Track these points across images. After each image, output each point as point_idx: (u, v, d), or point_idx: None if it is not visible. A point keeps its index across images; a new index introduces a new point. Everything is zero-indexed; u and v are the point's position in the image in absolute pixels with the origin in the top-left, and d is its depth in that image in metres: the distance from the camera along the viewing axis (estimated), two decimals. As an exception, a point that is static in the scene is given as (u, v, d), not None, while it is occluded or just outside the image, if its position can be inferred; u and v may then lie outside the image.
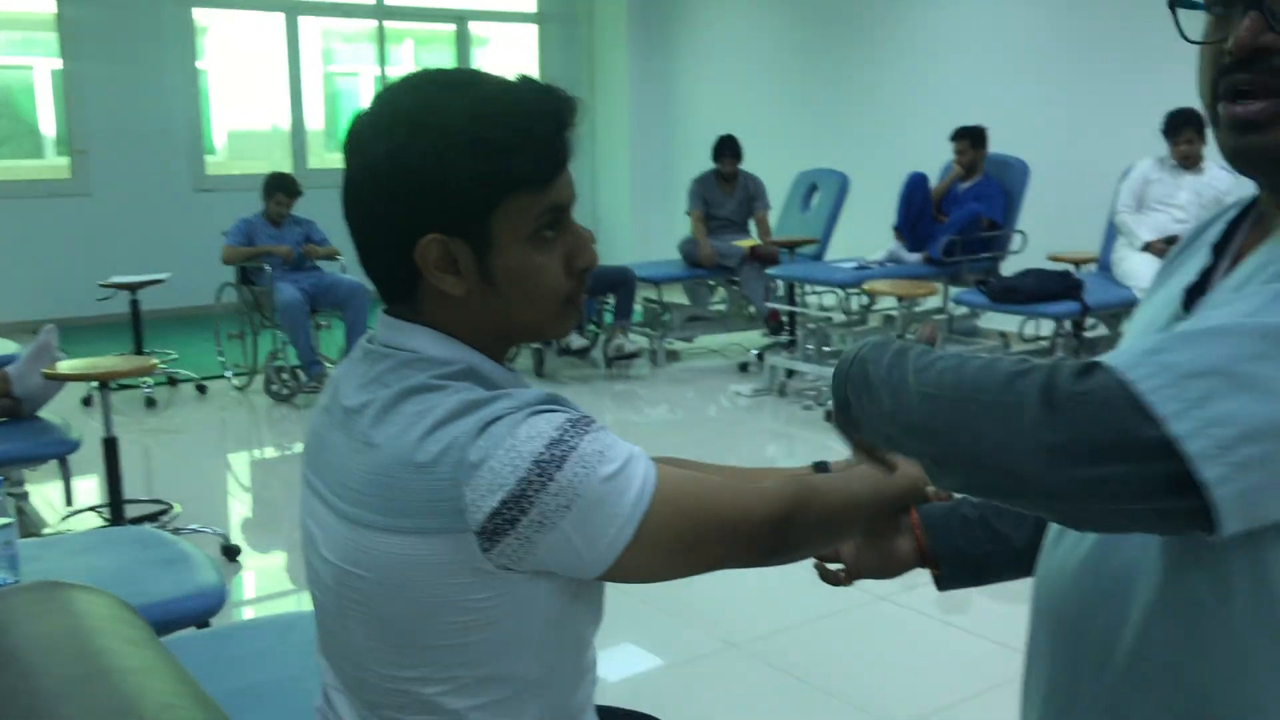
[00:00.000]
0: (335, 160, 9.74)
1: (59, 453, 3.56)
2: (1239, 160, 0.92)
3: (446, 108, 1.01)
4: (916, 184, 6.37)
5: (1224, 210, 1.07)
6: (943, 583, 1.32)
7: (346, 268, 6.52)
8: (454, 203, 1.01)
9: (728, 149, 7.26)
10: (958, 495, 1.32)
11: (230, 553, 3.89)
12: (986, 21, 7.42)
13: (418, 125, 1.01)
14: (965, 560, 1.29)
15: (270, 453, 5.80)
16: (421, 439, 0.98)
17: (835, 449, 1.33)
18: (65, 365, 3.73)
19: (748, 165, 7.41)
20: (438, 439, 0.97)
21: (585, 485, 0.96)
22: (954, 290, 6.17)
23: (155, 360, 3.90)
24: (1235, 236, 1.01)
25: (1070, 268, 5.94)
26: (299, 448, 5.71)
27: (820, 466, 1.30)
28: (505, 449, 0.96)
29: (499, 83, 1.04)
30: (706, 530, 1.04)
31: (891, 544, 1.29)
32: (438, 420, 0.98)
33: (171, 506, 4.28)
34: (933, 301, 6.18)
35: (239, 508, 4.88)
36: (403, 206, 1.01)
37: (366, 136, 1.03)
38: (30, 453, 3.53)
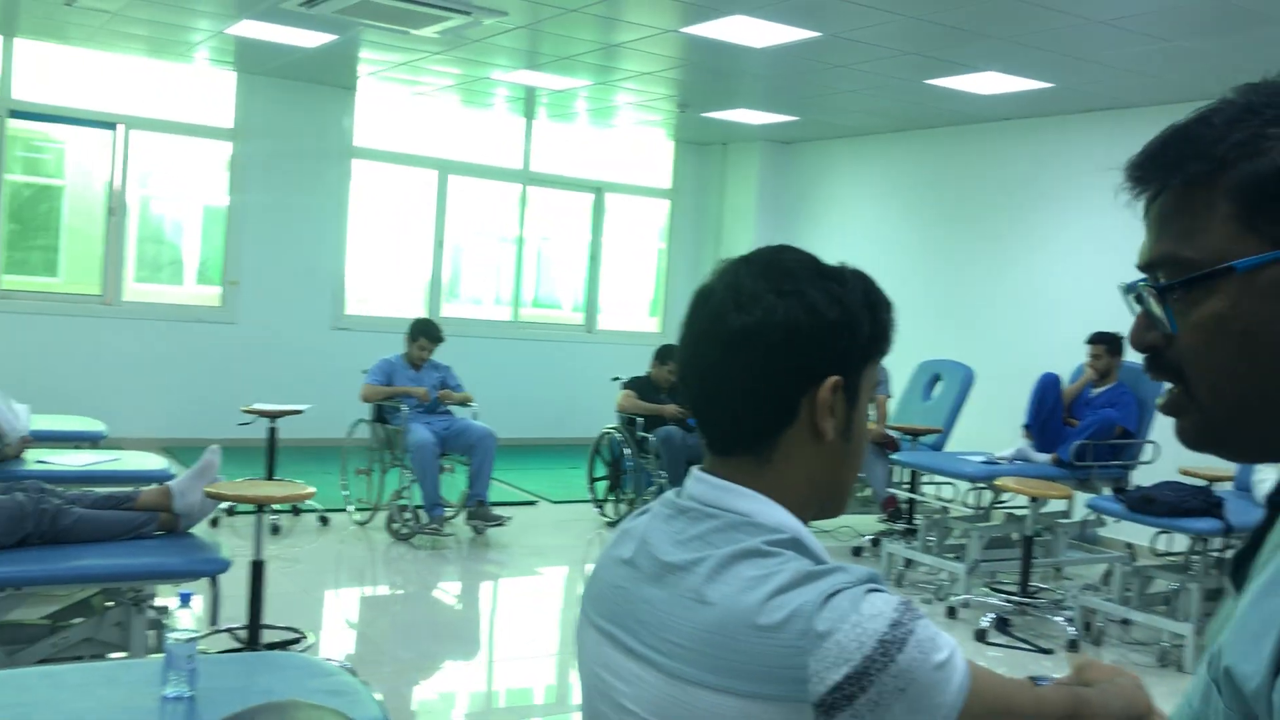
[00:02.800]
0: (462, 310, 10.12)
1: (212, 571, 3.65)
2: None
3: (841, 274, 1.14)
4: (1049, 384, 6.35)
5: None
6: None
7: (479, 414, 6.69)
8: (852, 354, 1.11)
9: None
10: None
11: (358, 688, 3.90)
12: (1126, 224, 7.49)
13: (827, 283, 1.12)
14: None
15: (384, 590, 5.86)
16: (764, 602, 1.00)
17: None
18: (222, 486, 3.87)
19: (872, 350, 7.47)
20: (781, 604, 0.99)
21: (921, 671, 0.98)
22: (1084, 495, 6.08)
23: (312, 489, 4.01)
24: None
25: (1205, 484, 5.81)
26: (413, 587, 5.80)
27: (1036, 680, 1.31)
28: (851, 624, 0.97)
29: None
30: None
31: None
32: (780, 586, 1.00)
33: (305, 636, 4.34)
34: (1057, 504, 6.09)
35: (350, 641, 4.91)
36: (810, 352, 1.09)
37: (762, 290, 1.10)
38: (187, 569, 3.62)
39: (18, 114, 8.12)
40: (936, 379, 7.52)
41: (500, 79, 8.22)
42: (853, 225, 9.65)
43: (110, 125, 8.39)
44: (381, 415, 6.54)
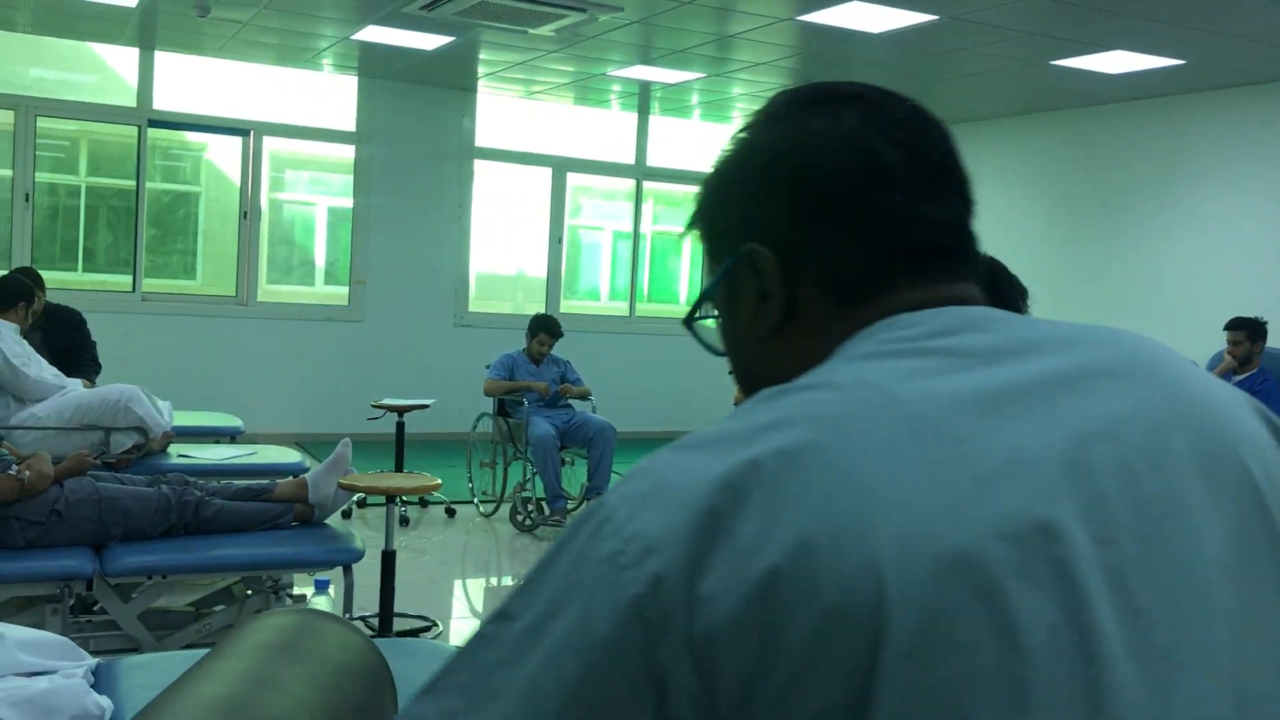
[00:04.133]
0: (579, 307, 10.22)
1: (347, 560, 3.76)
2: None
3: None
4: (1185, 372, 6.12)
5: None
6: None
7: (598, 408, 6.76)
8: None
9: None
10: None
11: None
12: (1267, 204, 7.19)
13: None
14: None
15: (508, 580, 5.95)
16: None
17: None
18: (354, 478, 3.99)
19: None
20: None
21: None
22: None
23: (439, 481, 4.10)
24: None
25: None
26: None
27: None
28: None
29: None
30: None
31: None
32: None
33: (435, 624, 4.44)
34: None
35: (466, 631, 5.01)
36: None
37: None
38: (323, 558, 3.75)
39: (156, 123, 8.48)
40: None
41: (615, 75, 8.27)
42: (978, 214, 9.43)
43: (242, 132, 8.71)
44: (504, 409, 6.65)
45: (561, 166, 9.76)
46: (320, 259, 9.69)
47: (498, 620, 0.68)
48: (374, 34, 7.24)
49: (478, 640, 0.68)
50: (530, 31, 6.76)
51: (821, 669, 0.59)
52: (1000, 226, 9.15)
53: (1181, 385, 0.74)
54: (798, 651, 0.59)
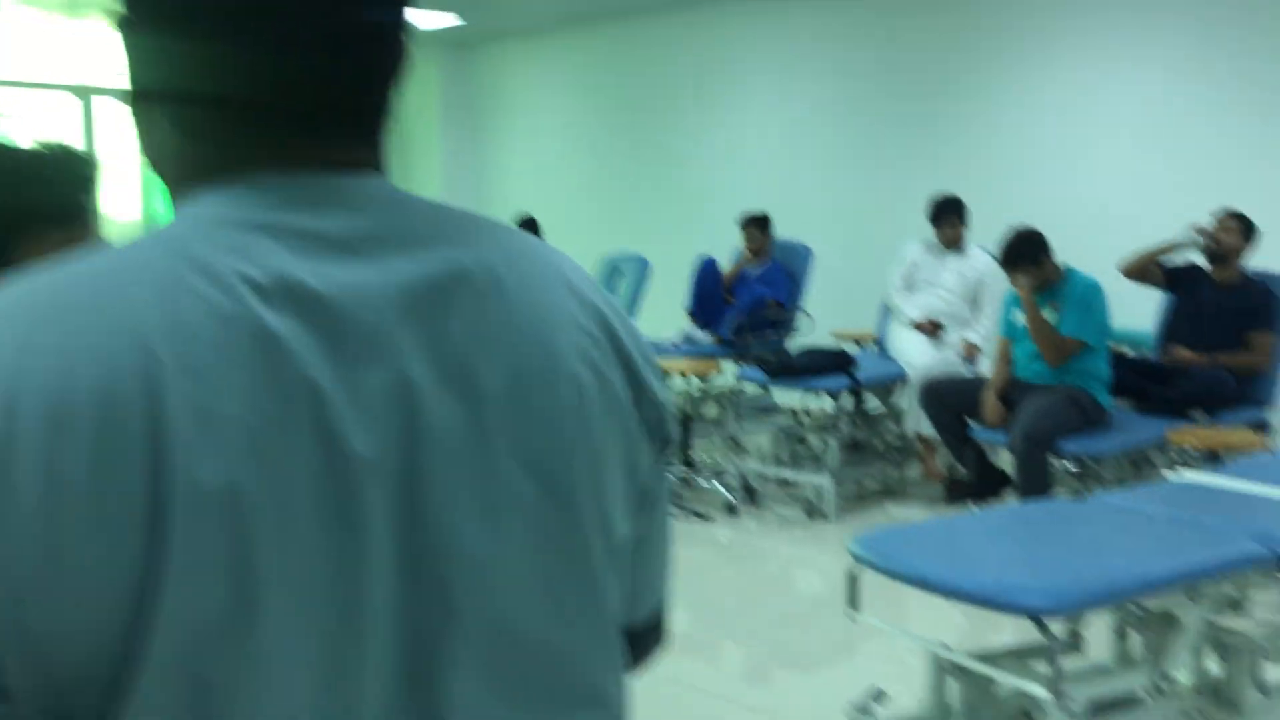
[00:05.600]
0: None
1: None
2: None
3: None
4: (707, 268, 6.58)
5: None
6: None
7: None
8: None
9: (527, 229, 7.43)
10: None
11: None
12: (778, 114, 7.80)
13: None
14: None
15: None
16: None
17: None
18: None
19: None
20: None
21: None
22: (740, 368, 6.37)
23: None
24: None
25: (852, 345, 6.22)
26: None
27: None
28: None
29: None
30: None
31: None
32: None
33: None
34: (726, 379, 6.36)
35: None
36: None
37: None
38: None
39: None
40: (617, 272, 7.65)
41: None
42: (536, 128, 9.61)
43: None
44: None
45: (88, 93, 8.93)
46: None
47: None
48: None
49: None
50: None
51: None
52: (563, 137, 9.39)
53: (518, 306, 0.74)
54: None
